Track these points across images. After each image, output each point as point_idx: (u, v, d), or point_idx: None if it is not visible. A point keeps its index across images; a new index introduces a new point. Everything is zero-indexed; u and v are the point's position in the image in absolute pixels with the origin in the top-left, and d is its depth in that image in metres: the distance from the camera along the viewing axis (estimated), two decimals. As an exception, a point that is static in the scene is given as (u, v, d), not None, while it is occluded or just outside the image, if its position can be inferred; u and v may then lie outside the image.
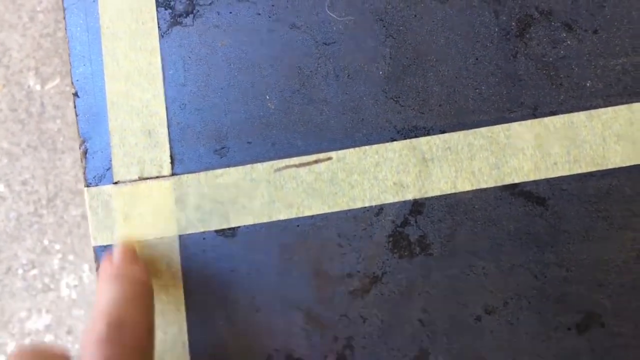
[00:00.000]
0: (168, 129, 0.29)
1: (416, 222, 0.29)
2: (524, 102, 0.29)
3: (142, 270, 0.27)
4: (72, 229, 0.77)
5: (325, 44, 0.29)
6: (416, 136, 0.29)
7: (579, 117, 0.28)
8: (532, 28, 0.29)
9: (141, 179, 0.29)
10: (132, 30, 0.30)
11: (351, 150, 0.29)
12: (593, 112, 0.28)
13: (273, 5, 0.30)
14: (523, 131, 0.28)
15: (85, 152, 0.29)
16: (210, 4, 0.30)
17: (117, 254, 0.27)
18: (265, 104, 0.29)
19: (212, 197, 0.29)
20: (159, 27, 0.30)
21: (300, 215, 0.29)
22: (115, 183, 0.29)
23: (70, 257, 0.77)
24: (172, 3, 0.30)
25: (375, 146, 0.29)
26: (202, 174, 0.29)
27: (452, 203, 0.28)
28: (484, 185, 0.28)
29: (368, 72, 0.29)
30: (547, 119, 0.28)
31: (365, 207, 0.29)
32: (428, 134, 0.29)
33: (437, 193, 0.28)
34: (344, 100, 0.29)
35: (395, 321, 0.28)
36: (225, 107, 0.29)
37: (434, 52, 0.29)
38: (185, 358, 0.28)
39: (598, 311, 0.28)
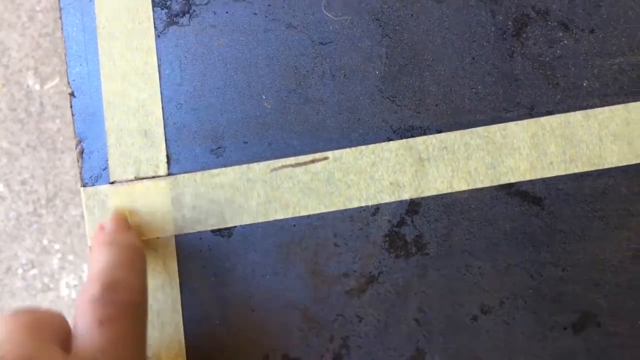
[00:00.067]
0: (164, 128, 0.29)
1: (412, 221, 0.29)
2: (520, 101, 0.29)
3: (134, 236, 0.27)
4: (71, 228, 0.77)
5: (322, 43, 0.29)
6: (412, 136, 0.29)
7: (576, 116, 0.28)
8: (528, 27, 0.29)
9: (137, 178, 0.29)
10: (129, 30, 0.30)
11: (347, 150, 0.29)
12: (589, 111, 0.28)
13: (269, 5, 0.30)
14: (519, 131, 0.28)
15: (81, 152, 0.29)
16: (206, 3, 0.30)
17: (109, 222, 0.27)
18: (261, 103, 0.29)
19: (208, 196, 0.29)
20: (155, 26, 0.30)
21: (297, 215, 0.29)
22: (112, 183, 0.29)
23: (70, 257, 0.77)
24: (168, 3, 0.30)
25: (371, 146, 0.29)
26: (198, 174, 0.29)
27: (448, 203, 0.28)
28: (480, 185, 0.28)
29: (364, 71, 0.29)
30: (543, 119, 0.28)
31: (361, 207, 0.29)
32: (424, 134, 0.29)
33: (434, 193, 0.28)
34: (340, 100, 0.29)
35: (392, 321, 0.28)
36: (221, 106, 0.29)
37: (431, 51, 0.29)
38: (182, 357, 0.28)
39: (594, 311, 0.28)
